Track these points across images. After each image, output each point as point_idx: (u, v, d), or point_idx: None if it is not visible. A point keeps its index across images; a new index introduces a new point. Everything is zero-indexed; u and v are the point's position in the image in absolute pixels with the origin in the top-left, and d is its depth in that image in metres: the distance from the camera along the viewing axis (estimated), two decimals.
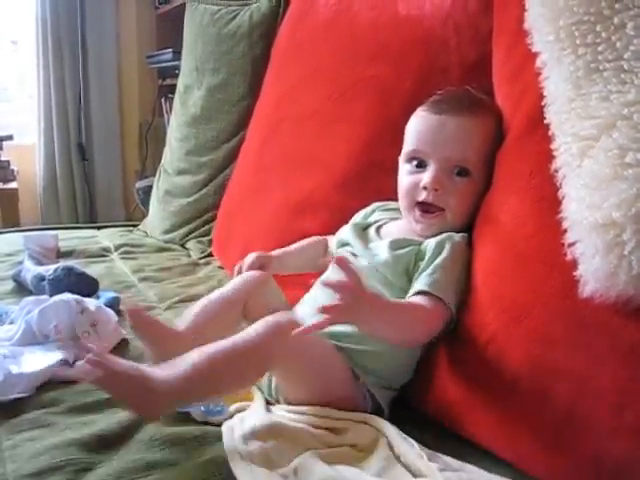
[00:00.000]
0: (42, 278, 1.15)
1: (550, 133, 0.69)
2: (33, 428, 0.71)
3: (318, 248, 1.02)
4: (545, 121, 0.70)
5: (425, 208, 0.85)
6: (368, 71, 1.14)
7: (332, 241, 1.00)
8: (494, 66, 0.89)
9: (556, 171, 0.67)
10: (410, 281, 0.81)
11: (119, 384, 0.62)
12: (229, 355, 0.67)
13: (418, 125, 0.88)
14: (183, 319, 0.82)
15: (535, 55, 0.72)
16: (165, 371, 0.64)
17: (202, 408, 0.75)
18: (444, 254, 0.79)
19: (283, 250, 1.01)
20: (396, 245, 0.84)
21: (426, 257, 0.80)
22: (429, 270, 0.78)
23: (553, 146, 0.68)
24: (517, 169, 0.77)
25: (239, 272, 0.92)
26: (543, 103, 0.71)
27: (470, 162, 0.83)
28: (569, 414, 0.63)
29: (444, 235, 0.82)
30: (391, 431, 0.69)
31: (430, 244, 0.82)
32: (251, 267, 0.92)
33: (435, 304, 0.76)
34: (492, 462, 0.68)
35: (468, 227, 0.85)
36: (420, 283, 0.78)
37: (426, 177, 0.83)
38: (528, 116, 0.77)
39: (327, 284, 0.69)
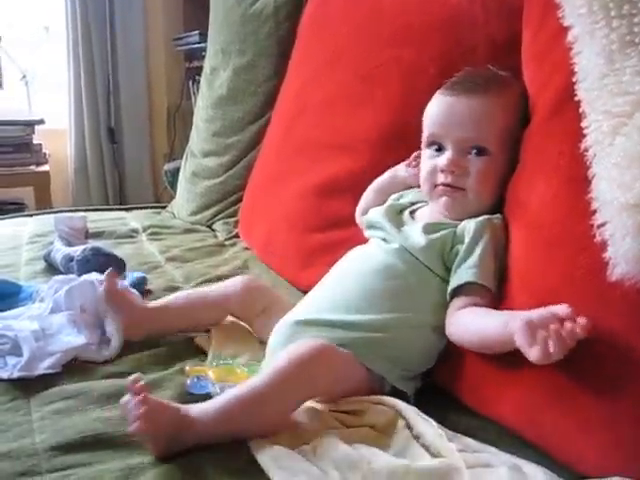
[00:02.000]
0: (71, 259, 1.17)
1: (580, 111, 0.67)
2: (60, 401, 0.73)
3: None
4: (575, 99, 0.68)
5: (446, 186, 0.83)
6: (392, 52, 1.12)
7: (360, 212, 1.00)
8: (523, 43, 0.86)
9: (586, 150, 0.65)
10: (444, 264, 0.79)
11: (156, 418, 0.62)
12: (271, 385, 0.67)
13: (433, 108, 0.87)
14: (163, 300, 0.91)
15: (566, 30, 0.70)
16: (202, 406, 0.66)
17: (218, 390, 0.75)
18: (486, 239, 0.77)
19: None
20: (431, 229, 0.82)
21: (465, 241, 0.78)
22: (473, 260, 0.76)
23: (583, 124, 0.66)
24: (545, 149, 0.75)
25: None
26: (574, 80, 0.69)
27: (487, 141, 0.81)
28: (595, 397, 0.61)
29: (482, 218, 0.80)
30: (409, 411, 0.69)
31: (468, 228, 0.79)
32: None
33: (484, 296, 0.75)
34: (515, 445, 0.67)
35: (498, 208, 0.83)
36: (466, 274, 0.76)
37: (442, 160, 0.82)
38: (557, 94, 0.74)
39: None
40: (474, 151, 0.81)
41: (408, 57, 1.06)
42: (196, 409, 0.65)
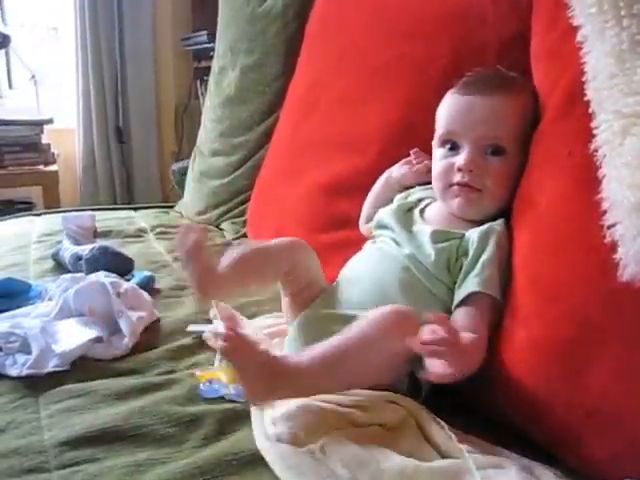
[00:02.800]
0: (79, 257, 1.18)
1: (590, 111, 0.66)
2: (69, 399, 0.73)
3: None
4: (585, 98, 0.68)
5: (463, 186, 0.82)
6: (401, 49, 1.11)
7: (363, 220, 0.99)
8: (533, 41, 0.86)
9: (596, 150, 0.65)
10: (450, 275, 0.79)
11: (246, 360, 0.64)
12: (355, 350, 0.67)
13: (449, 107, 0.86)
14: (226, 259, 0.82)
15: (576, 29, 0.69)
16: (295, 358, 0.67)
17: (232, 391, 0.75)
18: (490, 249, 0.77)
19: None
20: (438, 238, 0.81)
21: (470, 252, 0.78)
22: (478, 269, 0.76)
23: (593, 124, 0.65)
24: (555, 149, 0.75)
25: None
26: (583, 79, 0.68)
27: (503, 140, 0.81)
28: (602, 399, 0.61)
29: (485, 227, 0.80)
30: (420, 412, 0.69)
31: (472, 238, 0.79)
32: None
33: (488, 305, 0.74)
34: (524, 448, 0.67)
35: (505, 210, 0.83)
36: (471, 283, 0.75)
37: (460, 159, 0.82)
38: (567, 93, 0.74)
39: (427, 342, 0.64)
40: (490, 150, 0.81)
41: (417, 54, 1.06)
42: (288, 358, 0.67)
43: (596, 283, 0.63)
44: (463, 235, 0.81)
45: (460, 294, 0.76)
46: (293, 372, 0.66)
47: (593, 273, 0.64)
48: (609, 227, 0.61)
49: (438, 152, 0.87)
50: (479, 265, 0.76)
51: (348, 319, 0.77)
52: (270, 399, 0.67)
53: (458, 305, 0.76)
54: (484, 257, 0.77)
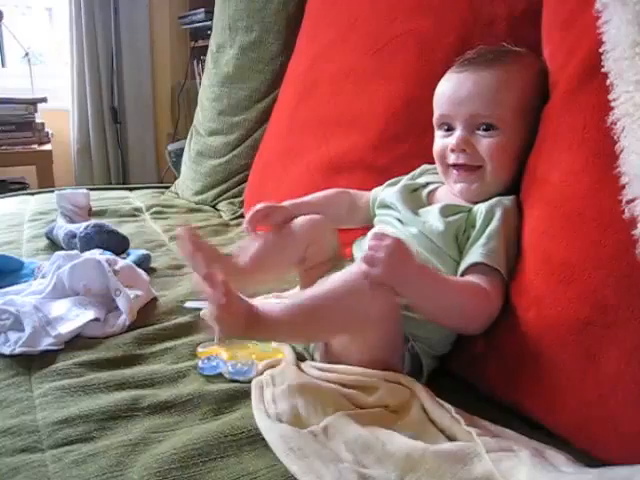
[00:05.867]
0: (73, 235, 1.15)
1: (608, 82, 0.64)
2: (62, 378, 0.71)
3: (340, 202, 0.96)
4: (603, 70, 0.65)
5: (460, 168, 0.81)
6: (407, 25, 1.08)
7: (369, 197, 0.96)
8: (544, 13, 0.83)
9: (614, 123, 0.62)
10: (458, 248, 0.77)
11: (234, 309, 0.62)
12: (334, 302, 0.67)
13: (442, 88, 0.85)
14: (242, 249, 0.81)
15: None
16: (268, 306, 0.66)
17: (230, 368, 0.73)
18: (496, 221, 0.76)
19: (300, 200, 0.93)
20: (447, 211, 0.80)
21: (477, 224, 0.77)
22: (482, 240, 0.75)
23: (611, 96, 0.63)
24: (569, 123, 0.72)
25: (250, 227, 0.86)
26: (601, 50, 0.65)
27: (496, 116, 0.78)
28: (616, 383, 0.59)
29: (494, 200, 0.78)
30: (424, 395, 0.67)
31: (480, 210, 0.78)
32: (256, 218, 0.85)
33: (492, 277, 0.73)
34: (532, 430, 0.65)
35: (514, 187, 0.80)
36: (474, 254, 0.74)
37: (452, 139, 0.81)
38: (582, 65, 0.71)
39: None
40: (482, 127, 0.79)
41: (424, 29, 1.03)
42: (264, 308, 0.66)
43: (613, 263, 0.61)
44: (471, 208, 0.80)
45: (463, 265, 0.75)
46: (271, 323, 0.65)
47: (610, 252, 0.61)
48: (628, 202, 0.58)
49: (437, 134, 0.86)
50: (484, 236, 0.75)
51: None
52: (244, 338, 0.68)
53: (462, 276, 0.75)
54: (490, 229, 0.75)
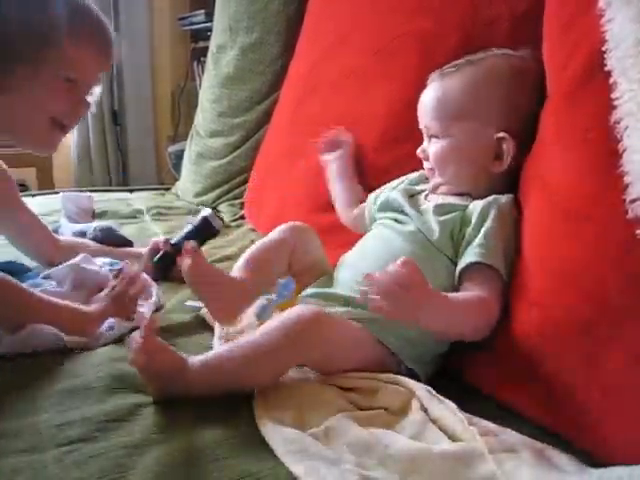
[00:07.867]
0: (82, 234, 1.18)
1: (611, 81, 0.63)
2: (64, 379, 0.71)
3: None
4: (605, 69, 0.65)
5: (429, 171, 0.88)
6: (408, 26, 1.08)
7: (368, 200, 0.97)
8: (546, 12, 0.82)
9: (617, 122, 0.62)
10: (453, 247, 0.78)
11: (154, 357, 0.65)
12: (259, 352, 0.67)
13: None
14: (236, 268, 0.83)
15: None
16: (197, 357, 0.67)
17: (274, 297, 0.77)
18: (490, 219, 0.76)
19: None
20: (441, 210, 0.81)
21: (472, 223, 0.77)
22: (478, 239, 0.75)
23: (614, 95, 0.62)
24: (570, 124, 0.71)
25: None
26: (604, 48, 0.65)
27: (435, 126, 0.84)
28: (620, 381, 0.59)
29: (490, 198, 0.79)
30: (424, 394, 0.67)
31: (475, 208, 0.79)
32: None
33: (490, 277, 0.73)
34: (532, 430, 0.64)
35: (511, 187, 0.80)
36: (471, 254, 0.74)
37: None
38: (584, 65, 0.71)
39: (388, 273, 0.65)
40: (433, 136, 0.85)
41: (426, 30, 1.03)
42: (192, 359, 0.67)
43: (616, 262, 0.61)
44: (466, 207, 0.80)
45: (461, 264, 0.75)
46: (190, 374, 0.66)
47: (613, 252, 0.61)
48: (631, 202, 0.58)
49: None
50: (480, 235, 0.75)
51: (347, 300, 0.77)
52: (167, 394, 0.67)
53: (460, 277, 0.75)
54: (485, 227, 0.76)
